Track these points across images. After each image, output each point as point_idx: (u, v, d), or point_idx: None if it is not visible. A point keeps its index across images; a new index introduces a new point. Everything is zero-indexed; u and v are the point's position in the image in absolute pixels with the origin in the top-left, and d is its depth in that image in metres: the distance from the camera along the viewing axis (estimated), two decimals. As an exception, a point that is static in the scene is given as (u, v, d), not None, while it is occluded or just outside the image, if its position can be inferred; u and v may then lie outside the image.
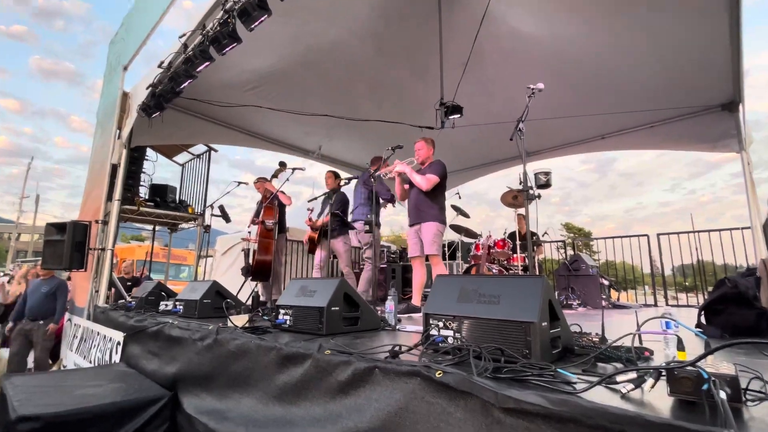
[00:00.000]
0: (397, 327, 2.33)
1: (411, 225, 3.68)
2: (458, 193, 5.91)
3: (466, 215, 5.89)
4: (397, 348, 1.50)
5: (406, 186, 3.87)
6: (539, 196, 2.56)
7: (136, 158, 5.70)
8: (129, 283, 6.19)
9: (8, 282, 6.37)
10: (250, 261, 4.47)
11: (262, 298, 4.54)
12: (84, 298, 4.62)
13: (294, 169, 4.27)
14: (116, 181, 4.63)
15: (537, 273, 3.98)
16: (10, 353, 4.53)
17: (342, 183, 4.12)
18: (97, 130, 5.93)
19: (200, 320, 2.79)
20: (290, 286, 2.42)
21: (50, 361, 4.52)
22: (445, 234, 3.94)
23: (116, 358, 3.10)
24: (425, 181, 3.57)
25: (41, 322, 4.57)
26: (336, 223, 4.29)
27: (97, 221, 4.56)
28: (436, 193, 3.67)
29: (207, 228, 4.92)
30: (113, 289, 4.62)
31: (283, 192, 4.69)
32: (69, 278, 5.18)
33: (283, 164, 4.65)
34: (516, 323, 1.39)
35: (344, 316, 2.14)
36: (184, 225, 7.05)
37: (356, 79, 4.67)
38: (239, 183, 4.80)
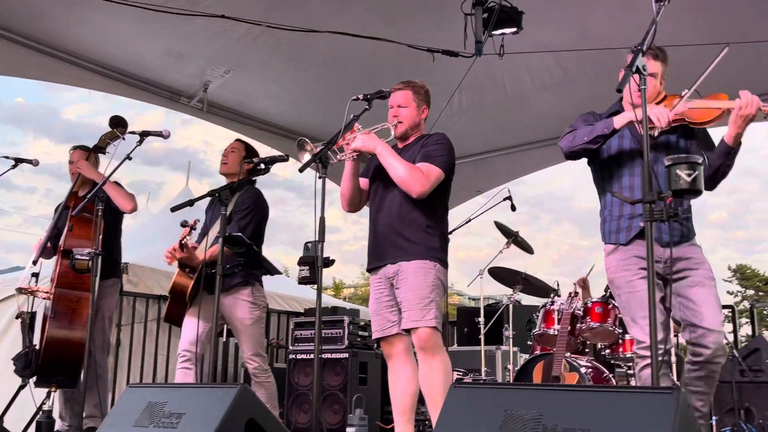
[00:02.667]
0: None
1: (375, 268, 3.83)
2: (509, 198, 5.99)
3: (527, 249, 5.93)
4: None
5: (364, 182, 3.95)
6: (676, 214, 2.64)
7: None
8: None
9: None
10: (35, 341, 4.45)
11: (60, 425, 4.48)
12: None
13: (144, 135, 4.25)
14: None
15: (673, 377, 3.90)
16: None
17: (260, 168, 4.11)
18: None
19: None
20: (125, 399, 2.38)
21: None
22: (474, 285, 3.86)
23: None
24: (416, 176, 3.64)
25: None
26: (236, 261, 4.27)
27: None
28: (435, 204, 3.75)
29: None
30: None
31: (118, 184, 4.65)
32: None
33: (118, 122, 4.62)
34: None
35: None
36: None
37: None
38: (19, 161, 4.75)
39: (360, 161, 3.87)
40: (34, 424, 3.81)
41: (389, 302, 3.71)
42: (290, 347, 6.36)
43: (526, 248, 5.93)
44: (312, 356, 5.77)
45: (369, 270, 3.90)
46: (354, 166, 3.82)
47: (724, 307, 6.39)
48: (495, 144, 7.40)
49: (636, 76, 2.59)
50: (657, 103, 3.17)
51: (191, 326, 4.38)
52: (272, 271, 4.39)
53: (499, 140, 7.34)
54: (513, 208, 5.99)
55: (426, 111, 3.96)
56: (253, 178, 4.67)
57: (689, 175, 2.45)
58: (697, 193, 2.50)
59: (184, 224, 4.19)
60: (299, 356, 6.11)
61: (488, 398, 1.77)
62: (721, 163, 3.11)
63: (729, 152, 3.08)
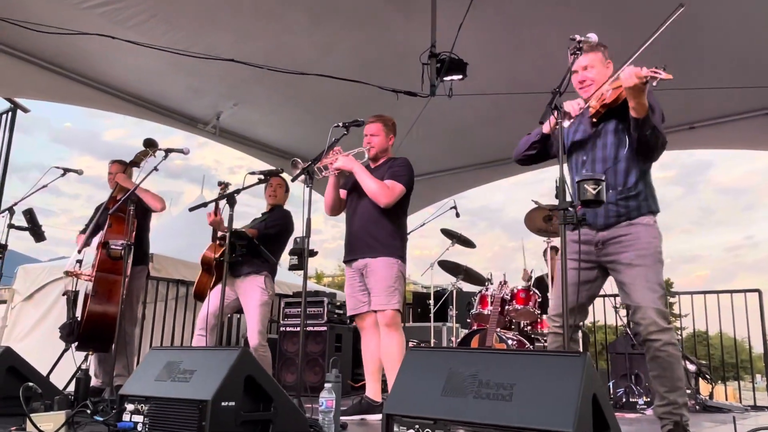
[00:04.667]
0: (339, 437, 2.36)
1: (350, 260, 3.93)
2: (454, 207, 6.04)
3: (468, 244, 6.00)
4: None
5: (343, 194, 4.06)
6: (584, 219, 2.62)
7: None
8: None
9: None
10: (78, 314, 4.39)
11: (95, 382, 4.46)
12: None
13: (169, 151, 4.23)
14: None
15: (579, 348, 4.08)
16: None
17: (261, 179, 4.07)
18: None
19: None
20: (148, 360, 2.42)
21: None
22: (426, 275, 3.93)
23: None
24: (384, 190, 3.77)
25: None
26: (254, 252, 4.31)
27: None
28: (398, 212, 3.90)
29: (1, 249, 4.73)
30: None
31: (147, 191, 4.61)
32: None
33: (150, 143, 4.58)
34: (538, 435, 1.44)
35: (245, 419, 2.14)
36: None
37: (292, 0, 4.74)
38: (66, 171, 4.69)
39: (341, 176, 3.99)
40: (74, 381, 3.77)
41: (361, 287, 3.84)
42: (281, 322, 6.36)
43: (469, 243, 5.97)
44: (298, 329, 5.77)
45: (345, 262, 4.00)
46: (335, 180, 3.95)
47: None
48: (444, 165, 7.53)
49: (555, 112, 2.55)
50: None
51: (207, 305, 4.38)
52: (269, 260, 4.40)
53: (448, 162, 7.47)
54: (457, 215, 6.05)
55: (392, 139, 4.08)
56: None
57: (594, 189, 2.39)
58: (599, 203, 2.38)
59: (220, 183, 4.13)
60: (288, 329, 6.13)
61: (436, 359, 1.76)
62: (638, 135, 2.64)
63: (638, 123, 2.61)
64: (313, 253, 3.27)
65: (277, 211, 4.74)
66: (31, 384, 2.65)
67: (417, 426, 1.58)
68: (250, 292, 4.41)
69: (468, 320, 5.89)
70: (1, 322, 7.05)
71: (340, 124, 3.69)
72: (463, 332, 6.03)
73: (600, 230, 2.78)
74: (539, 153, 3.02)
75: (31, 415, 2.46)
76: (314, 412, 2.68)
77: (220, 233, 4.38)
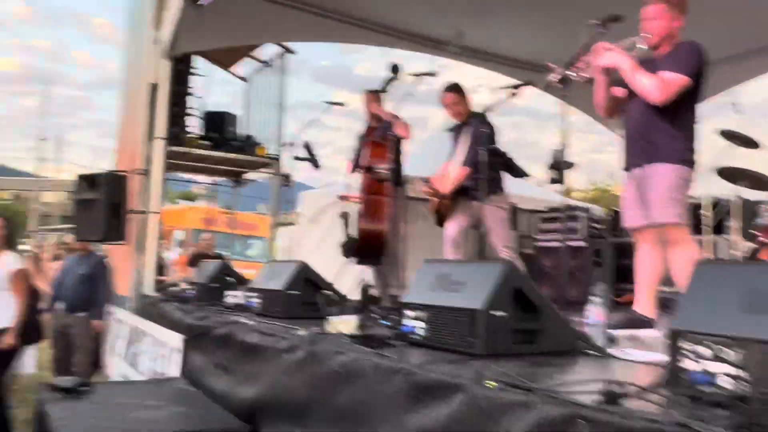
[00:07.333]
0: (611, 351, 2.31)
1: (629, 168, 3.54)
2: (735, 103, 5.26)
3: (752, 145, 5.23)
4: (615, 387, 1.47)
5: (619, 92, 3.59)
6: None
7: (180, 72, 6.49)
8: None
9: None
10: (352, 232, 4.82)
11: (373, 291, 4.83)
12: (125, 283, 5.61)
13: (419, 75, 4.33)
14: (157, 110, 5.36)
15: None
16: (54, 358, 5.82)
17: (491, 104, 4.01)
18: (129, 35, 6.89)
19: (285, 321, 3.13)
20: (423, 272, 2.55)
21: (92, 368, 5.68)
22: (698, 185, 3.42)
23: (173, 370, 3.72)
24: (657, 84, 3.25)
25: (81, 314, 5.70)
26: (487, 172, 4.31)
27: (136, 171, 5.41)
28: (681, 109, 3.33)
29: (287, 179, 5.41)
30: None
31: (397, 118, 4.83)
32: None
33: (396, 68, 4.74)
34: None
35: (515, 328, 2.20)
36: (252, 175, 7.86)
37: None
38: (333, 104, 5.08)
39: (610, 74, 3.49)
40: (359, 291, 4.25)
41: (638, 197, 3.43)
42: (537, 237, 6.33)
43: (752, 143, 5.15)
44: (555, 244, 5.71)
45: (624, 169, 3.60)
46: (604, 79, 3.50)
47: None
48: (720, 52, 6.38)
49: None
50: None
51: (453, 225, 4.54)
52: (521, 173, 4.35)
53: (725, 48, 6.28)
54: (739, 111, 5.27)
55: (680, 20, 3.41)
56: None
57: None
58: None
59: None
60: (545, 244, 6.08)
61: (730, 274, 1.56)
62: None
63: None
64: (570, 166, 3.12)
65: (476, 122, 4.53)
66: (328, 292, 3.06)
67: (709, 343, 1.47)
68: (490, 213, 4.42)
69: (752, 232, 5.21)
70: (290, 242, 8.22)
71: (595, 21, 3.33)
72: (750, 247, 5.37)
73: None
74: None
75: (329, 318, 2.83)
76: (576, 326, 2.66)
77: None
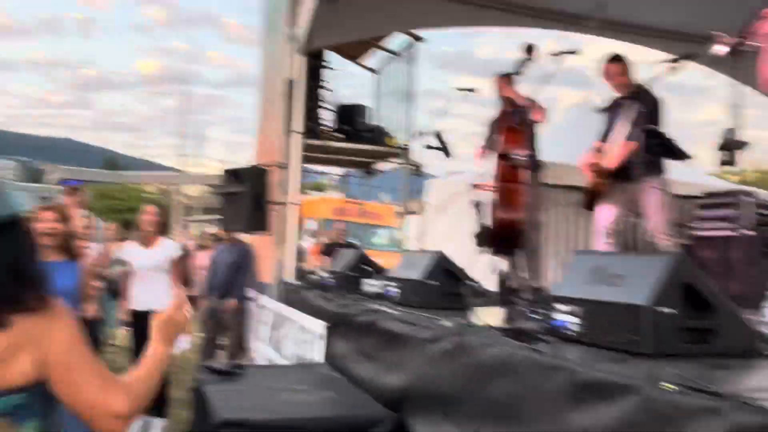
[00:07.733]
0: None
1: None
2: None
3: None
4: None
5: None
6: None
7: (314, 67, 6.71)
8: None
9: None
10: (486, 221, 4.72)
11: (510, 282, 4.72)
12: (268, 271, 5.91)
13: (559, 54, 4.14)
14: (293, 105, 5.57)
15: None
16: (204, 339, 6.29)
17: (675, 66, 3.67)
18: (265, 34, 7.21)
19: (425, 311, 3.13)
20: (576, 264, 2.48)
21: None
22: None
23: (317, 355, 3.85)
24: None
25: (230, 299, 6.11)
26: (643, 154, 4.04)
27: (276, 165, 5.67)
28: None
29: (418, 169, 5.42)
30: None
31: (532, 101, 4.65)
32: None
33: (530, 48, 4.54)
34: None
35: (685, 326, 2.05)
36: (381, 165, 7.98)
37: None
38: (465, 90, 4.99)
39: None
40: (498, 278, 4.17)
41: None
42: (694, 226, 5.81)
43: None
44: (715, 233, 5.23)
45: None
46: None
47: None
48: None
49: None
50: None
51: (606, 211, 4.31)
52: (683, 155, 4.02)
53: None
54: None
55: None
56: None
57: None
58: None
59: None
60: (703, 233, 5.55)
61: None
62: None
63: None
64: (742, 145, 2.82)
65: (641, 97, 4.23)
66: (472, 283, 3.02)
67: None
68: (648, 196, 4.22)
69: None
70: (417, 231, 8.23)
71: None
72: None
73: None
74: None
75: (474, 308, 2.79)
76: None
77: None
